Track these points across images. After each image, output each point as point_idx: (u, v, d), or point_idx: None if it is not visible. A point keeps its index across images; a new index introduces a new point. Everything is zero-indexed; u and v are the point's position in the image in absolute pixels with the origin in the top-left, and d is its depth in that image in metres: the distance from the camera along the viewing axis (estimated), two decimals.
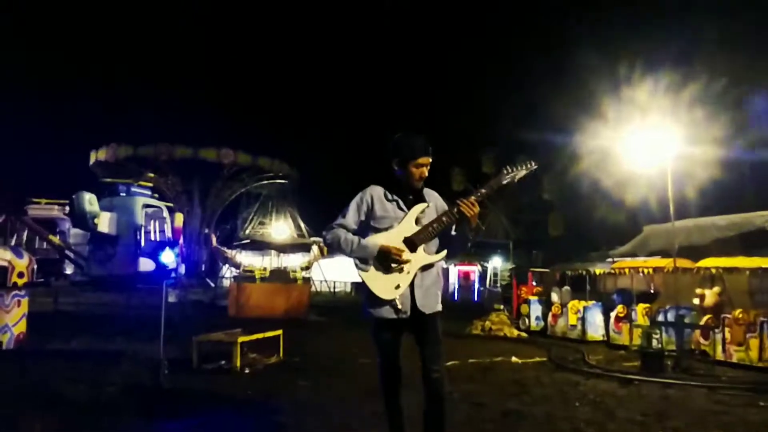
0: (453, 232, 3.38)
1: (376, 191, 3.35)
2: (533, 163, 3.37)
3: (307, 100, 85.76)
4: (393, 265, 3.15)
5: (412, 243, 3.20)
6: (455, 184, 35.67)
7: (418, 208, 3.29)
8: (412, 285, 3.20)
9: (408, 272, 3.18)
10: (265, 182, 39.69)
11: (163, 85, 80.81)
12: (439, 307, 3.32)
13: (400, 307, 3.16)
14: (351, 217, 3.30)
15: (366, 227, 3.31)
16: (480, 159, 37.57)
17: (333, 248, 3.30)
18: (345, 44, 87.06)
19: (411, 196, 3.36)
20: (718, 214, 14.64)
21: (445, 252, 3.34)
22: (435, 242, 3.34)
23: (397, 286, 3.16)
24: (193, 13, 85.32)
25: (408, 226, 3.24)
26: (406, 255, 3.16)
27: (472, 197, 3.21)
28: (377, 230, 3.26)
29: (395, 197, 3.33)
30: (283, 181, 39.95)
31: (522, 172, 3.34)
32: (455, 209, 3.21)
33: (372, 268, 3.18)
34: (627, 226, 21.49)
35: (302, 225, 41.81)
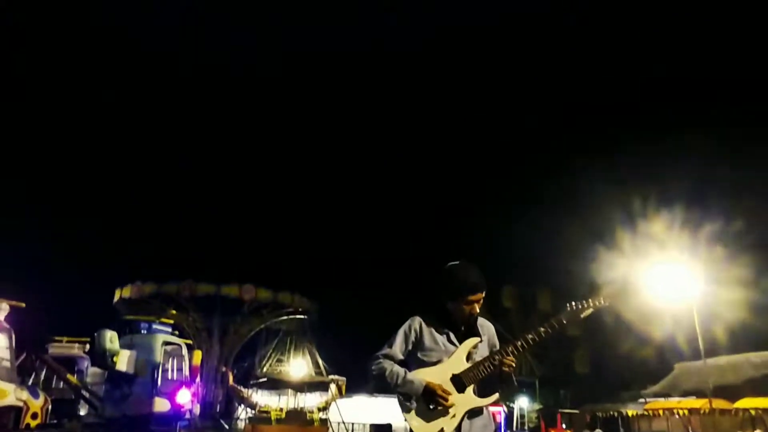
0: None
1: (420, 322, 3.11)
2: (601, 300, 3.07)
3: (329, 236, 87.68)
4: (438, 406, 2.87)
5: (460, 382, 2.92)
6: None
7: (469, 343, 3.01)
8: (460, 429, 2.90)
9: (454, 415, 2.88)
10: (285, 318, 39.55)
11: (185, 220, 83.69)
12: None
13: None
14: (398, 347, 3.03)
15: (412, 358, 3.05)
16: (500, 294, 37.38)
17: (377, 381, 2.98)
18: (364, 181, 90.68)
19: (463, 328, 3.07)
20: (749, 351, 14.17)
21: (496, 395, 3.00)
22: (490, 383, 3.00)
23: (441, 431, 2.87)
24: (213, 153, 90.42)
25: (458, 362, 2.96)
26: (453, 398, 2.88)
27: (512, 347, 2.95)
28: (424, 363, 2.99)
29: (446, 330, 3.06)
30: (302, 316, 39.78)
31: (588, 310, 3.05)
32: (498, 356, 2.95)
33: (416, 407, 2.91)
34: (656, 363, 20.75)
35: (320, 362, 40.89)
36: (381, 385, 2.99)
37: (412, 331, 3.07)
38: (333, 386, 34.70)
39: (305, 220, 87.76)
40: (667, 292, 11.53)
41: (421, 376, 2.93)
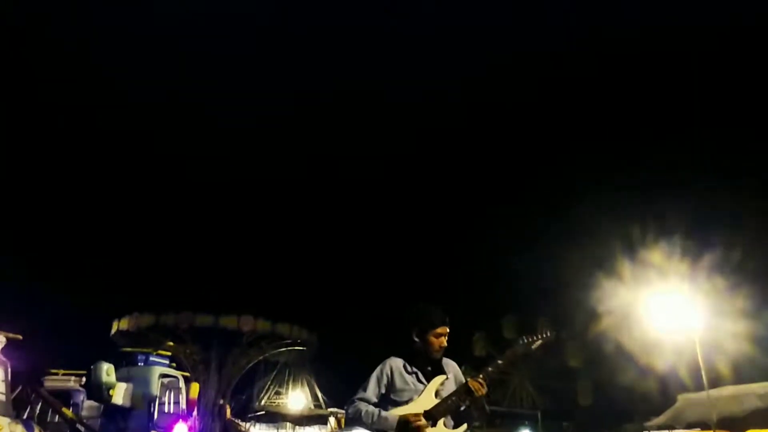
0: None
1: (396, 363, 3.34)
2: (548, 332, 3.36)
3: (328, 267, 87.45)
4: None
5: (432, 417, 3.13)
6: (477, 350, 34.94)
7: (437, 381, 3.27)
8: None
9: None
10: (284, 349, 39.20)
11: (183, 251, 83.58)
12: None
13: None
14: (371, 390, 3.27)
15: (386, 400, 3.28)
16: (501, 324, 37.15)
17: (355, 422, 3.24)
18: (363, 212, 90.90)
19: (430, 368, 3.33)
20: (752, 382, 14.05)
21: (464, 426, 3.22)
22: (458, 416, 3.26)
23: None
24: (212, 184, 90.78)
25: (428, 399, 3.19)
26: (425, 425, 3.08)
27: (481, 375, 3.19)
28: (397, 403, 3.22)
29: (415, 369, 3.31)
30: (301, 348, 39.45)
31: (538, 342, 3.31)
32: (465, 387, 3.18)
33: None
34: (658, 394, 20.55)
35: (319, 395, 40.45)
36: (357, 424, 3.24)
37: (384, 375, 3.32)
38: (332, 419, 34.30)
39: (305, 252, 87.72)
40: (669, 322, 11.53)
41: (394, 412, 3.17)
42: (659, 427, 14.92)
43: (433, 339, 3.32)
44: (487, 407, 3.28)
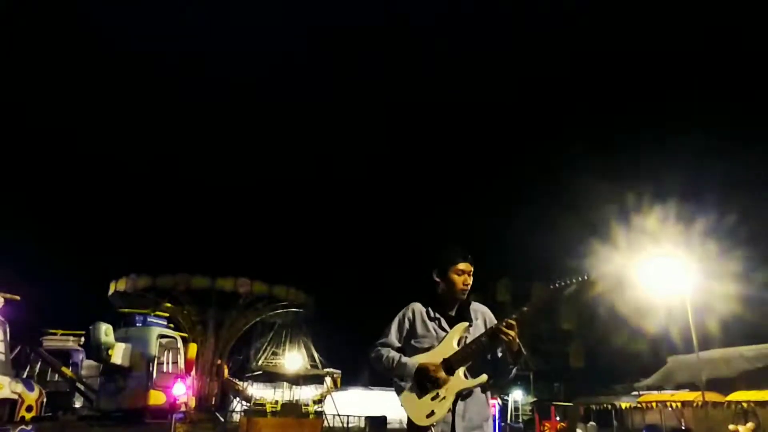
0: (499, 354, 3.11)
1: (418, 308, 3.19)
2: (586, 276, 3.08)
3: (324, 229, 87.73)
4: (428, 385, 2.92)
5: (449, 365, 2.96)
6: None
7: (459, 328, 3.06)
8: (453, 414, 2.92)
9: (444, 398, 2.90)
10: (280, 311, 39.53)
11: (180, 213, 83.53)
12: None
13: None
14: (393, 335, 3.16)
15: (407, 346, 3.14)
16: (495, 288, 37.54)
17: (375, 365, 3.12)
18: (360, 175, 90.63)
19: (454, 314, 3.16)
20: (742, 345, 14.28)
21: (484, 377, 2.97)
22: (481, 365, 3.04)
23: (431, 413, 2.89)
24: (209, 146, 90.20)
25: (448, 347, 3.01)
26: (442, 377, 2.91)
27: (509, 319, 2.98)
28: (417, 350, 3.07)
29: (437, 315, 3.14)
30: (298, 310, 39.78)
31: (572, 287, 3.06)
32: (494, 328, 2.99)
33: (408, 389, 2.98)
34: (649, 356, 20.89)
35: (316, 355, 40.98)
36: (379, 369, 3.11)
37: (406, 320, 3.18)
38: (328, 379, 34.83)
39: (300, 213, 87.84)
40: (661, 286, 11.61)
41: (414, 359, 3.02)
42: (649, 388, 15.23)
43: (455, 277, 3.13)
44: (523, 349, 3.04)
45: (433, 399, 2.91)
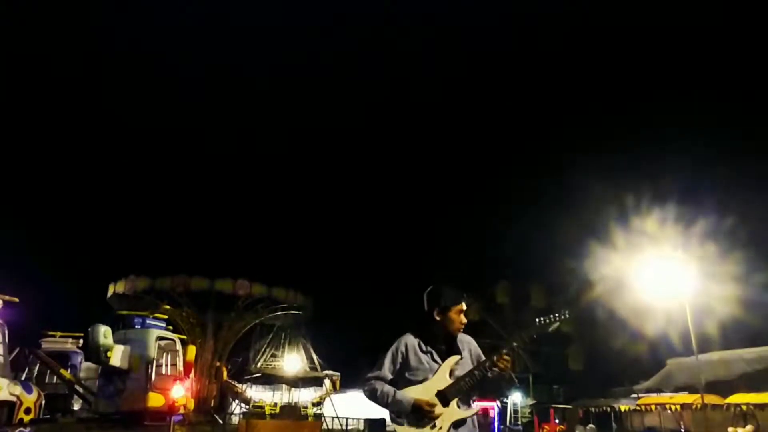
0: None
1: (411, 341, 3.35)
2: (566, 313, 3.37)
3: (324, 231, 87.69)
4: (426, 420, 3.13)
5: (444, 397, 3.18)
6: (470, 315, 35.24)
7: (451, 361, 3.29)
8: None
9: (440, 428, 3.13)
10: (280, 313, 39.50)
11: (179, 215, 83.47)
12: None
13: None
14: (387, 368, 3.30)
15: (400, 378, 3.30)
16: (494, 290, 37.54)
17: (371, 400, 3.28)
18: (362, 179, 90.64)
19: (444, 347, 3.36)
20: (741, 347, 14.28)
21: (477, 407, 3.32)
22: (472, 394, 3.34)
23: None
24: (208, 148, 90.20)
25: (442, 379, 3.23)
26: (438, 409, 3.14)
27: (504, 352, 3.24)
28: (411, 382, 3.25)
29: (429, 348, 3.33)
30: (297, 312, 39.74)
31: (555, 324, 3.35)
32: (488, 364, 3.23)
33: (406, 422, 3.17)
34: (648, 359, 20.89)
35: (315, 357, 40.94)
36: (375, 403, 3.27)
37: (399, 353, 3.33)
38: (327, 381, 34.79)
39: (300, 216, 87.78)
40: (660, 288, 11.62)
41: (410, 394, 3.19)
42: (648, 391, 15.21)
43: (454, 316, 3.36)
44: (514, 377, 3.35)
45: (431, 429, 3.13)
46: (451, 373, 3.25)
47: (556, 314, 3.36)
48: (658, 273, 11.43)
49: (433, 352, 3.33)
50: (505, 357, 3.22)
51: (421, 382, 3.23)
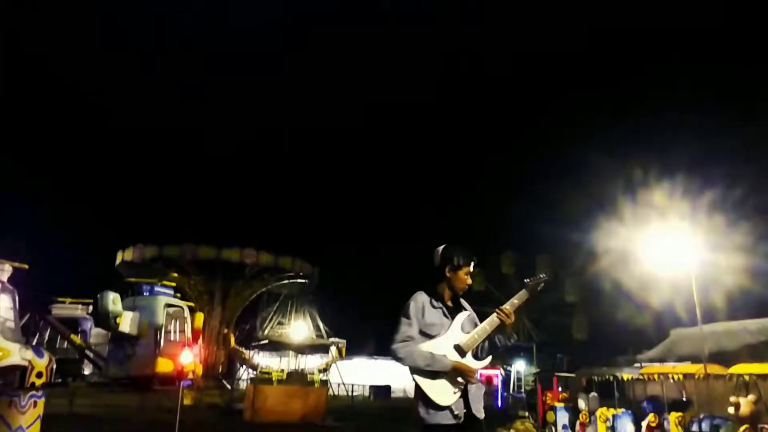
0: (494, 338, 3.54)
1: (424, 298, 3.46)
2: (549, 275, 3.60)
3: (330, 201, 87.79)
4: (459, 379, 3.27)
5: (461, 350, 3.34)
6: (475, 285, 35.50)
7: (462, 316, 3.46)
8: (465, 391, 3.30)
9: (460, 378, 3.29)
10: (286, 282, 39.80)
11: (187, 184, 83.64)
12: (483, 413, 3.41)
13: (456, 412, 3.23)
14: (415, 327, 3.37)
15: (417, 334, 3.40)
16: (500, 260, 37.62)
17: (406, 363, 3.30)
18: (369, 148, 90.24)
19: (451, 304, 3.52)
20: (747, 318, 14.30)
21: (489, 358, 3.49)
22: (482, 348, 3.51)
23: (455, 392, 3.26)
24: (218, 114, 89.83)
25: (456, 334, 3.38)
26: (465, 365, 3.30)
27: (507, 306, 3.42)
28: (428, 337, 3.35)
29: (439, 305, 3.46)
30: (303, 280, 40.03)
31: (541, 284, 3.54)
32: (495, 317, 3.39)
33: (430, 377, 3.26)
34: (652, 329, 20.99)
35: (321, 325, 41.39)
36: (410, 364, 3.28)
37: (419, 310, 3.41)
38: (333, 348, 35.20)
39: (306, 186, 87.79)
40: (666, 259, 11.56)
41: (427, 347, 3.30)
42: (651, 360, 15.29)
43: (463, 276, 3.51)
44: (513, 334, 3.54)
45: (452, 382, 3.27)
46: (463, 329, 3.41)
47: (542, 275, 3.57)
48: (664, 243, 11.37)
49: (443, 308, 3.47)
50: (507, 310, 3.41)
51: (435, 336, 3.35)
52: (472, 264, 3.55)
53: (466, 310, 3.54)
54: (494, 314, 3.41)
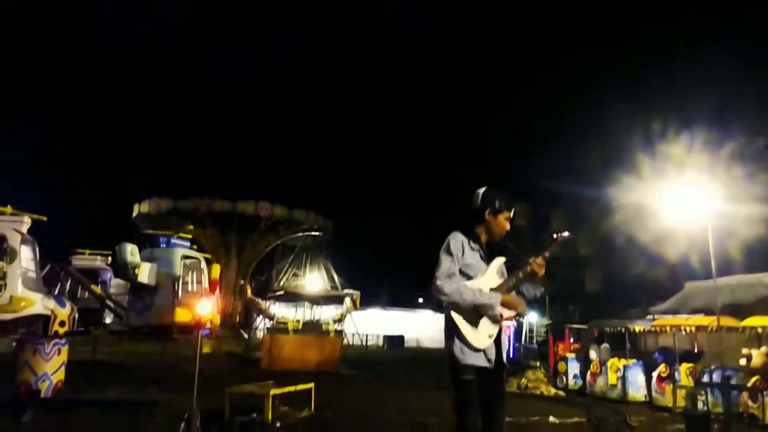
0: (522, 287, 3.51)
1: (462, 238, 3.39)
2: (569, 233, 3.55)
3: (344, 154, 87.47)
4: (494, 324, 3.25)
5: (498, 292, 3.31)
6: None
7: (499, 261, 3.43)
8: (498, 337, 3.29)
9: (495, 323, 3.26)
10: (300, 234, 40.11)
11: (202, 137, 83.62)
12: None
13: (489, 356, 3.23)
14: (456, 265, 3.30)
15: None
16: (515, 212, 37.50)
17: (452, 298, 3.19)
18: (381, 100, 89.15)
19: (486, 249, 3.47)
20: (762, 272, 14.20)
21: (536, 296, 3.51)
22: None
23: (490, 336, 3.25)
24: (232, 70, 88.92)
25: (493, 278, 3.35)
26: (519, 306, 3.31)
27: (540, 258, 3.36)
28: (467, 277, 3.30)
29: (477, 247, 3.42)
30: (317, 233, 40.31)
31: (569, 239, 3.52)
32: (528, 268, 3.35)
33: (468, 319, 3.21)
34: (666, 282, 20.96)
35: (335, 277, 41.86)
36: (456, 300, 3.19)
37: (460, 247, 3.35)
38: (348, 300, 35.66)
39: (320, 139, 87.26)
40: (682, 211, 11.42)
41: (492, 293, 3.27)
42: (664, 313, 15.33)
43: (503, 221, 3.46)
44: (541, 286, 3.57)
45: (489, 326, 3.24)
46: (498, 274, 3.39)
47: (566, 233, 3.53)
48: (681, 195, 11.20)
49: (480, 250, 3.42)
50: (540, 261, 3.35)
51: (472, 278, 3.30)
52: (514, 210, 3.51)
53: (500, 256, 3.48)
54: (528, 264, 3.36)
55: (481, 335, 3.20)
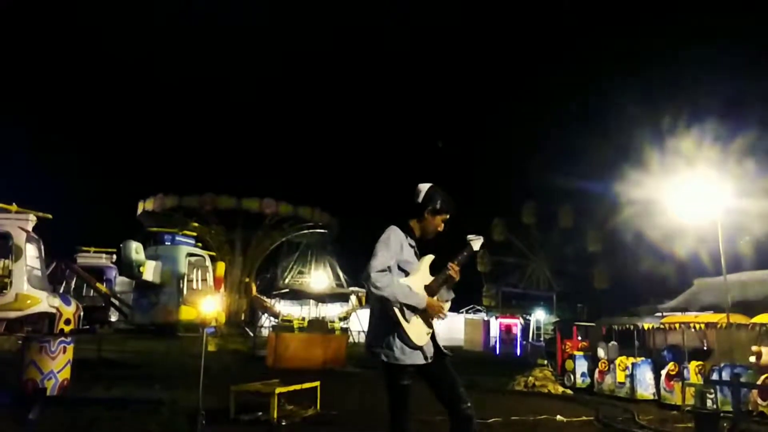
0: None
1: (401, 233, 3.40)
2: (477, 238, 3.52)
3: (349, 151, 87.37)
4: (430, 320, 3.30)
5: (431, 290, 3.33)
6: (495, 235, 35.37)
7: (428, 259, 3.44)
8: (433, 333, 3.35)
9: (431, 319, 3.31)
10: (306, 232, 40.06)
11: (206, 134, 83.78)
12: None
13: (427, 353, 3.26)
14: (394, 260, 3.29)
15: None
16: (521, 210, 37.34)
17: (384, 292, 3.15)
18: (387, 96, 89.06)
19: (417, 246, 3.52)
20: None
21: (451, 299, 3.51)
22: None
23: (427, 333, 3.28)
24: (237, 68, 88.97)
25: (426, 275, 3.37)
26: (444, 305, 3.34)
27: (456, 263, 3.38)
28: (402, 272, 3.34)
29: (413, 243, 3.46)
30: (323, 230, 40.26)
31: (478, 242, 3.50)
32: (447, 273, 3.38)
33: (408, 316, 3.21)
34: (675, 279, 20.80)
35: (341, 275, 41.86)
36: (386, 294, 3.17)
37: (399, 242, 3.35)
38: (353, 297, 35.64)
39: (326, 135, 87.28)
40: (691, 207, 11.30)
41: (415, 288, 3.28)
42: (673, 310, 15.17)
43: (439, 222, 3.49)
44: (452, 292, 3.57)
45: (426, 323, 3.28)
46: (430, 270, 3.41)
47: (478, 237, 3.52)
48: (690, 191, 11.07)
49: (415, 247, 3.47)
50: (456, 266, 3.38)
51: (409, 274, 3.33)
52: (451, 213, 3.51)
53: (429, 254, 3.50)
54: (448, 268, 3.38)
55: (420, 332, 3.22)
